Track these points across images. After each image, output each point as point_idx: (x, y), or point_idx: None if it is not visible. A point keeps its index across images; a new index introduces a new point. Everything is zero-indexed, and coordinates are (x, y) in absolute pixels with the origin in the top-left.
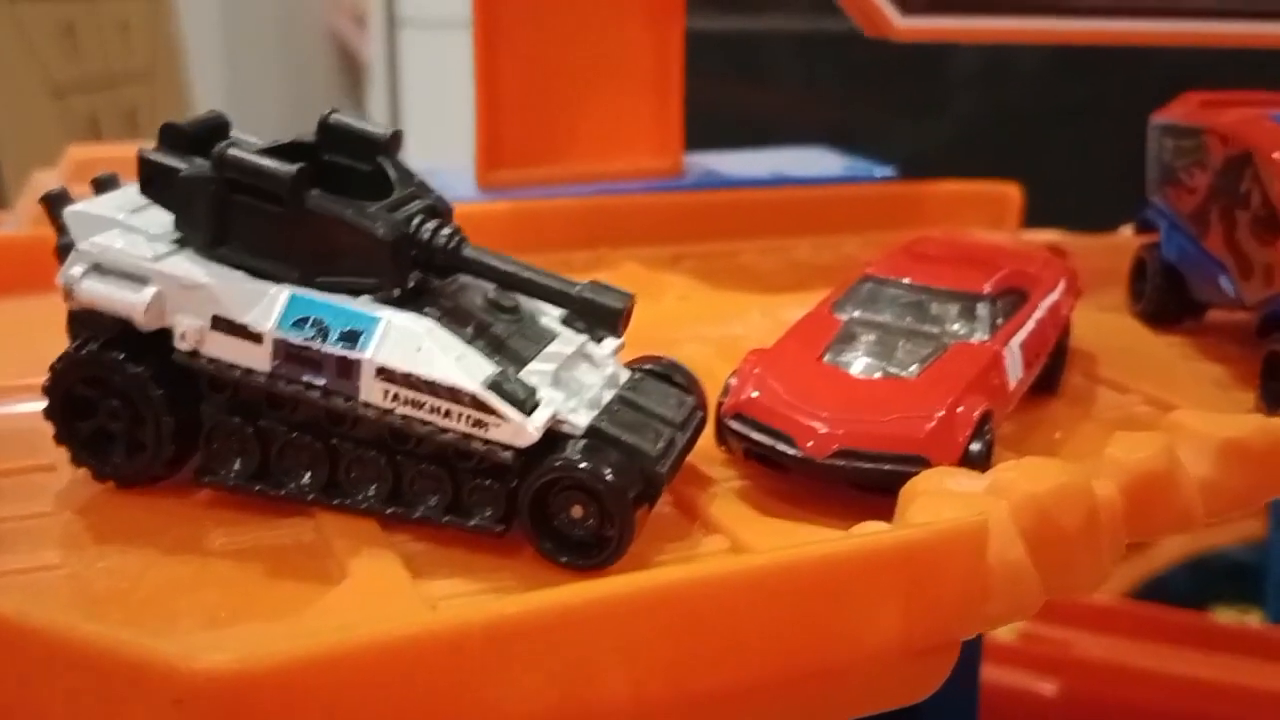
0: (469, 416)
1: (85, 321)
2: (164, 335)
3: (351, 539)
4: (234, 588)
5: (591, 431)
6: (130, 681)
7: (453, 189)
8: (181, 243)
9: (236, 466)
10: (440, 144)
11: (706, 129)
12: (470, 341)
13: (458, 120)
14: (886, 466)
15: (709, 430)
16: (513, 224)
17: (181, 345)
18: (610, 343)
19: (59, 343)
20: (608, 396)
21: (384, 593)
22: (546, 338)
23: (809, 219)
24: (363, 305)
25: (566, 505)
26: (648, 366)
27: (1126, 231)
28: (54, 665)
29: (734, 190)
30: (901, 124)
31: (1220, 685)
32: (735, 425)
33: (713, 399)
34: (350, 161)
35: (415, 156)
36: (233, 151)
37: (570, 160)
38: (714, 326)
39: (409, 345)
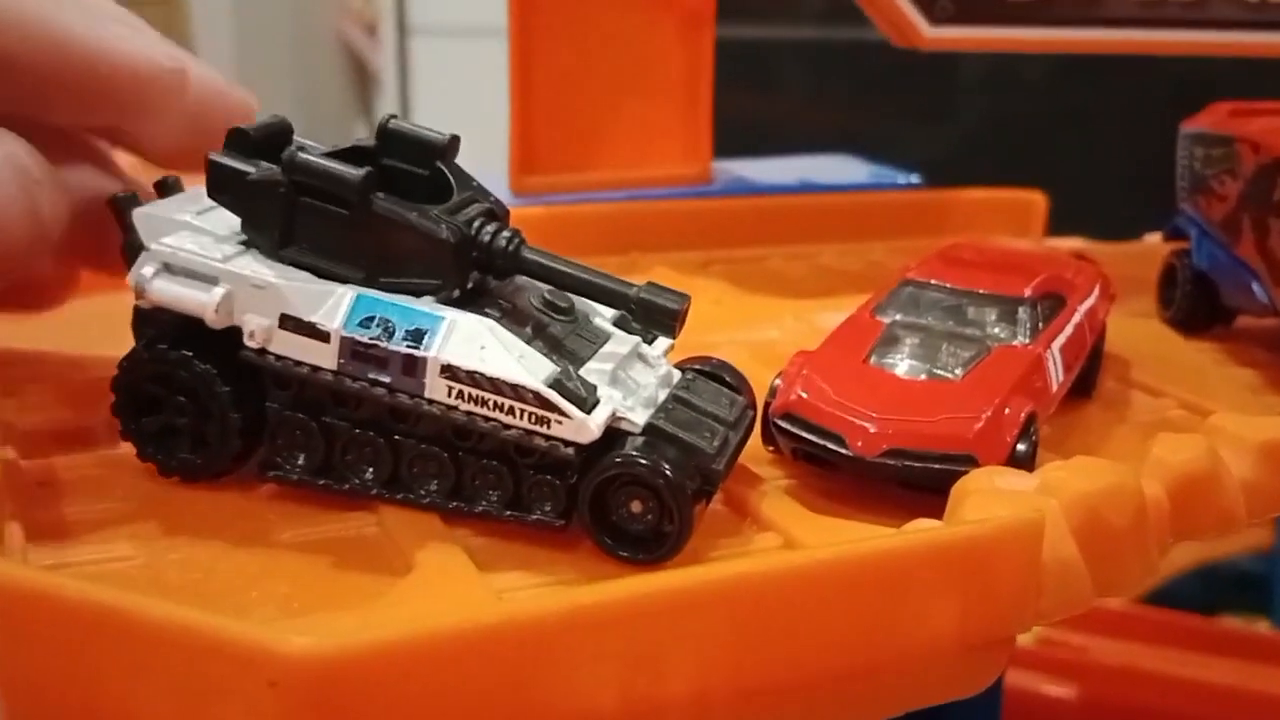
0: (532, 414)
1: (151, 320)
2: (228, 334)
3: (414, 533)
4: (303, 579)
5: (650, 429)
6: (229, 663)
7: None
8: (248, 244)
9: (301, 462)
10: None
11: (719, 136)
12: (530, 341)
13: (467, 127)
14: (936, 465)
15: (756, 430)
16: (545, 229)
17: (250, 343)
18: (661, 343)
19: (117, 341)
20: (663, 395)
21: (452, 584)
22: (601, 338)
23: (835, 225)
24: (426, 305)
25: (626, 501)
26: (698, 366)
27: (1151, 239)
28: (155, 648)
29: (762, 197)
30: (913, 130)
31: (1234, 690)
32: (784, 425)
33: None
34: (408, 166)
35: None
36: (302, 156)
37: (602, 166)
38: (748, 331)
39: (473, 344)
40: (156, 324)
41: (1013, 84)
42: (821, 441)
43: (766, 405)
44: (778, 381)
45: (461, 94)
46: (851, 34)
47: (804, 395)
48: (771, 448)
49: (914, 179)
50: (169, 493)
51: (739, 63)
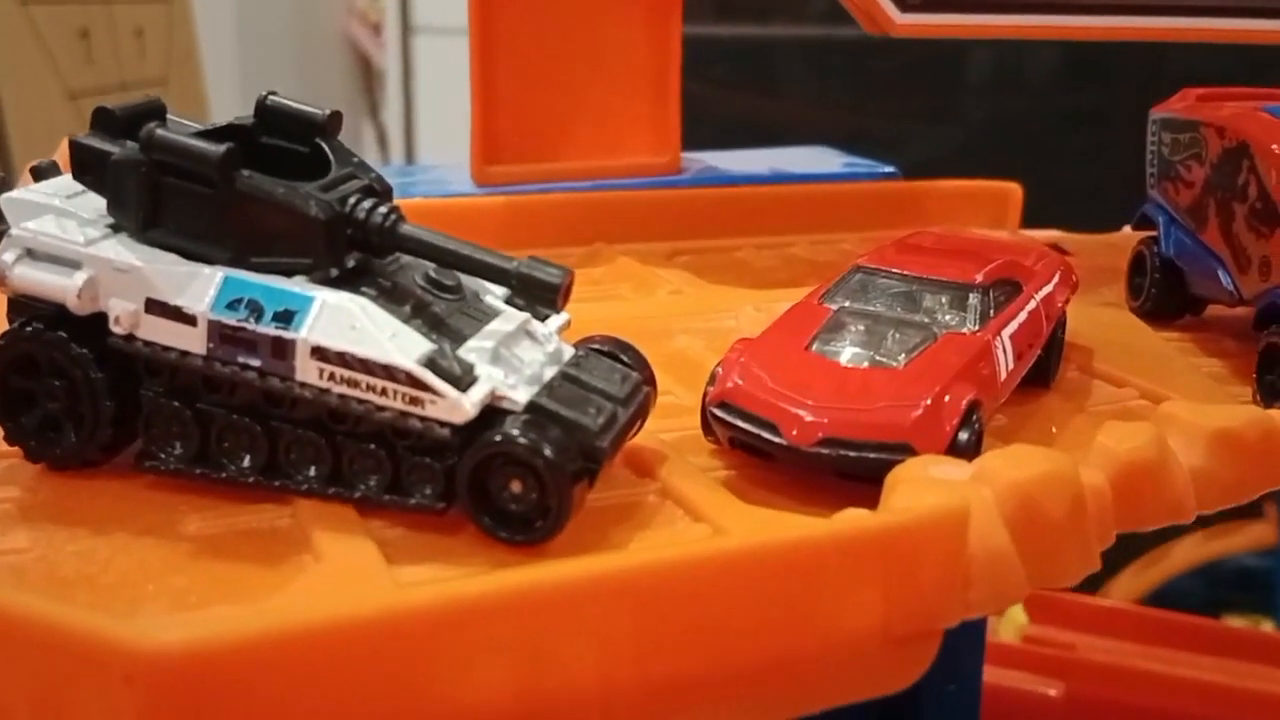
0: (405, 394)
1: (23, 308)
2: (100, 322)
3: (328, 525)
4: (205, 572)
5: (531, 407)
6: (80, 659)
7: (449, 183)
8: (115, 227)
9: (176, 451)
10: (452, 146)
11: (718, 134)
12: (407, 320)
13: (469, 123)
14: (872, 455)
15: (695, 420)
16: (507, 219)
17: (117, 329)
18: (555, 320)
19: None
20: (550, 373)
21: (356, 577)
22: (488, 316)
23: (807, 216)
24: (297, 285)
25: (505, 481)
26: (595, 345)
27: (1127, 230)
28: (5, 643)
29: (731, 187)
30: (912, 130)
31: (1225, 688)
32: (720, 413)
33: (701, 390)
34: (288, 143)
35: (427, 157)
36: (160, 132)
37: (568, 157)
38: (706, 320)
39: (343, 324)
40: (29, 312)
41: (1013, 84)
42: (756, 430)
43: (705, 393)
44: (718, 370)
45: (464, 90)
46: (853, 33)
47: (739, 383)
48: (711, 438)
49: (890, 170)
50: (76, 483)
51: (739, 61)
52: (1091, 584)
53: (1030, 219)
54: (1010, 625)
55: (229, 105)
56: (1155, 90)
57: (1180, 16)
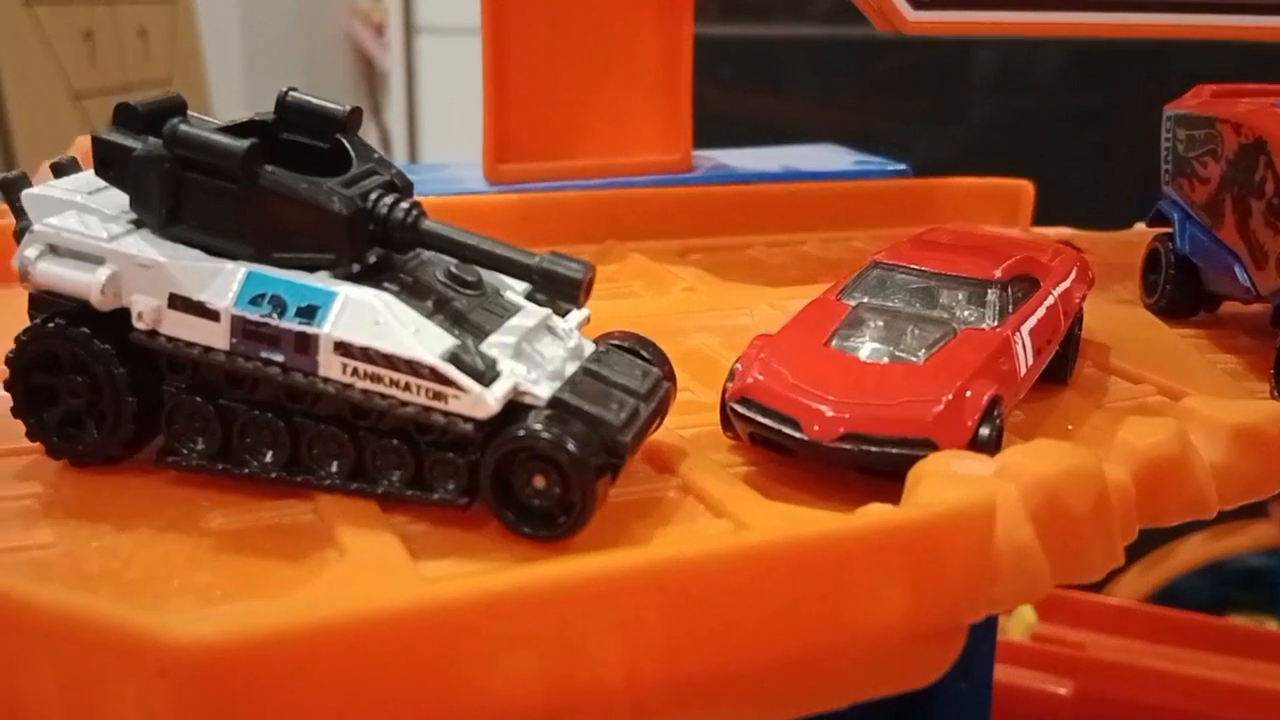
0: (428, 389)
1: (45, 304)
2: (123, 318)
3: (351, 520)
4: (229, 567)
5: (554, 402)
6: (115, 653)
7: (461, 181)
8: (138, 223)
9: (199, 446)
10: (456, 146)
11: (726, 134)
12: (430, 315)
13: (473, 123)
14: (893, 450)
15: (713, 416)
16: (520, 216)
17: (139, 325)
18: (576, 316)
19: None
20: (571, 368)
21: (381, 572)
22: (509, 311)
23: (819, 214)
24: (320, 280)
25: (529, 476)
26: (615, 341)
27: (1139, 227)
28: (39, 638)
29: (743, 184)
30: (918, 130)
31: (1232, 686)
32: (740, 409)
33: (718, 386)
34: (309, 139)
35: (431, 158)
36: (184, 128)
37: (580, 155)
38: (720, 317)
39: (366, 319)
40: (51, 308)
41: (1020, 84)
42: (777, 426)
43: (725, 390)
44: (737, 365)
45: (467, 90)
46: (860, 33)
47: (760, 378)
48: (730, 433)
49: (900, 168)
50: (98, 479)
51: (746, 61)
52: (1097, 582)
53: (1037, 217)
54: (1019, 624)
55: (232, 106)
56: (1160, 89)
57: (1192, 13)
